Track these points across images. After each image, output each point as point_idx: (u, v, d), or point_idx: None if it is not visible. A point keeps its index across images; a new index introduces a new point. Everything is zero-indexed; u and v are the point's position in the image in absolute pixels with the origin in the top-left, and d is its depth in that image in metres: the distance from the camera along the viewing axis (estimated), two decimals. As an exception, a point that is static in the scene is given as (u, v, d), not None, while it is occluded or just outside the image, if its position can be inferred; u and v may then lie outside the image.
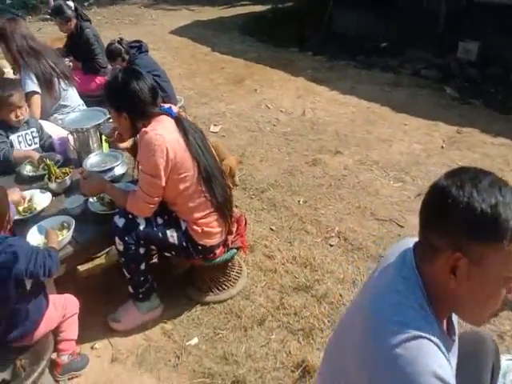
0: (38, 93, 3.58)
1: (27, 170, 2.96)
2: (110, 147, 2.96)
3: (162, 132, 2.11)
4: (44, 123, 3.45)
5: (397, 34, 7.04)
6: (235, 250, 2.44)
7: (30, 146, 3.10)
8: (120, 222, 2.26)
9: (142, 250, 2.30)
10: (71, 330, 2.20)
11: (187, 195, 2.23)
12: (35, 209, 2.56)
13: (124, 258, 2.30)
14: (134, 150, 2.67)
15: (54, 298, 2.15)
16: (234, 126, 4.74)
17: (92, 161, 2.83)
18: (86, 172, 2.51)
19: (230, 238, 2.43)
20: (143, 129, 2.13)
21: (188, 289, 2.55)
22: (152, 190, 2.17)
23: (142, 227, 2.26)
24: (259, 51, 7.74)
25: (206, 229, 2.28)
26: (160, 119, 2.20)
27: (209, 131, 4.55)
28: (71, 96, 3.97)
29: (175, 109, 2.35)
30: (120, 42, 4.71)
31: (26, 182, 2.88)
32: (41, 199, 2.63)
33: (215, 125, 4.76)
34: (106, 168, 2.72)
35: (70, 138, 3.10)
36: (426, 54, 6.61)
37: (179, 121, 2.24)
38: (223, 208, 2.34)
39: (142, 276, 2.35)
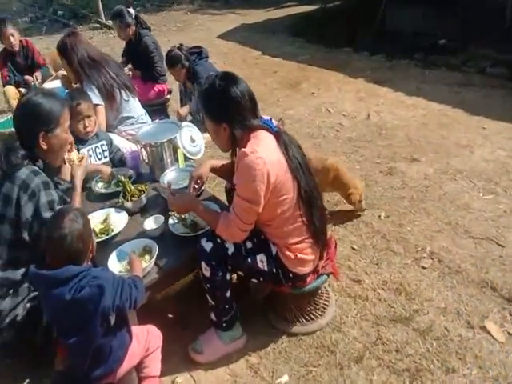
0: (101, 105, 3.47)
1: (99, 186, 2.82)
2: (185, 161, 2.77)
3: (263, 153, 1.87)
4: (112, 136, 3.32)
5: (456, 31, 6.55)
6: (326, 277, 2.18)
7: (99, 159, 2.97)
8: (207, 245, 2.06)
9: (228, 276, 2.10)
10: (154, 365, 2.01)
11: (283, 218, 2.00)
12: (112, 230, 2.40)
13: (209, 285, 2.10)
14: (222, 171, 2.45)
15: (136, 330, 1.97)
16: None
17: (168, 177, 2.65)
18: (171, 188, 2.33)
19: (321, 263, 2.18)
20: (243, 150, 1.90)
21: (271, 317, 2.32)
22: (247, 217, 1.95)
23: (230, 252, 2.05)
24: (311, 53, 7.45)
25: (299, 255, 2.03)
26: (259, 136, 1.95)
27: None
28: (134, 106, 3.84)
29: (274, 121, 2.09)
30: (180, 48, 4.57)
31: (98, 200, 2.74)
32: (117, 219, 2.47)
33: (276, 131, 4.51)
34: (183, 186, 2.53)
35: (143, 152, 2.95)
36: (489, 51, 6.11)
37: (280, 136, 1.98)
38: (319, 234, 2.09)
39: (226, 304, 2.14)
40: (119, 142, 3.65)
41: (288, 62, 6.99)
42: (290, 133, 2.07)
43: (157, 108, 4.85)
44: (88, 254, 1.80)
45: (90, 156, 2.91)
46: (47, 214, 1.96)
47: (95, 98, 3.38)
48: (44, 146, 2.03)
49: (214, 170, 2.41)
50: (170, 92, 5.19)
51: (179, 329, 2.36)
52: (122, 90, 3.58)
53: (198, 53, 4.68)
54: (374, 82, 5.66)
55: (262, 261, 2.06)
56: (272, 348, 2.19)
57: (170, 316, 2.47)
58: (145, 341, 1.97)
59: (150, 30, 5.08)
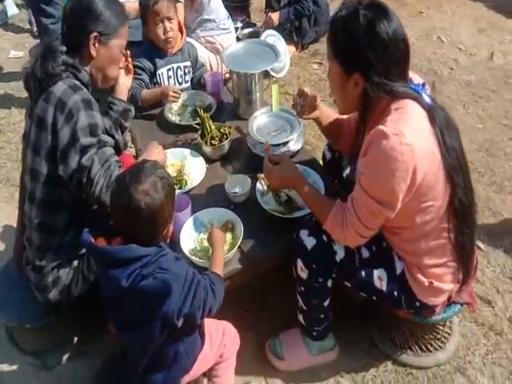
0: (180, 2, 2.67)
1: (172, 112, 2.17)
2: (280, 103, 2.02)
3: (412, 138, 1.17)
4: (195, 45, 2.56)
5: None
6: (459, 307, 1.53)
7: (179, 84, 2.28)
8: (309, 242, 1.45)
9: (330, 283, 1.52)
10: (227, 375, 1.54)
11: (422, 232, 1.34)
12: (186, 183, 1.81)
13: (304, 289, 1.53)
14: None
15: (210, 330, 1.46)
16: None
17: (259, 122, 1.94)
18: (270, 150, 1.66)
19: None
20: (381, 127, 1.20)
21: (374, 334, 1.73)
22: (373, 221, 1.30)
23: (338, 258, 1.44)
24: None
25: (435, 284, 1.38)
26: (406, 108, 1.23)
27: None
28: (216, 8, 3.02)
29: (428, 88, 1.32)
30: None
31: (169, 129, 2.11)
32: (193, 167, 1.89)
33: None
34: (278, 142, 1.83)
35: (229, 78, 2.22)
36: None
37: (435, 115, 1.25)
38: (466, 258, 1.41)
39: (322, 313, 1.58)
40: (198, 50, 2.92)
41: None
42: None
43: (237, 5, 3.90)
44: (158, 237, 1.23)
45: (170, 77, 2.21)
46: (87, 140, 1.41)
47: (174, -8, 2.58)
48: (93, 52, 1.51)
49: (319, 120, 1.71)
50: (254, -13, 4.19)
51: (255, 309, 1.86)
52: (204, -14, 2.74)
53: None
54: (497, 11, 4.33)
55: (380, 278, 1.44)
56: (371, 375, 1.64)
57: (242, 296, 1.95)
58: (219, 345, 1.48)
59: None
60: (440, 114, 1.27)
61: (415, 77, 1.36)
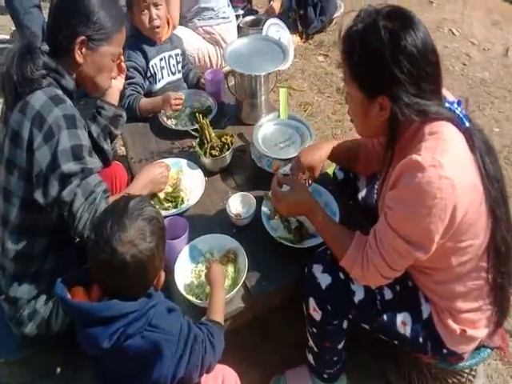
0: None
1: (168, 114, 1.93)
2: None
3: (451, 170, 0.97)
4: (182, 33, 2.31)
5: None
6: (490, 351, 1.34)
7: (173, 74, 2.05)
8: (323, 279, 1.24)
9: (345, 325, 1.31)
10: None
11: (457, 274, 1.13)
12: (182, 201, 1.59)
13: (316, 330, 1.32)
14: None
15: (207, 382, 1.24)
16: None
17: (265, 132, 1.70)
18: (281, 172, 1.43)
19: (486, 330, 1.33)
20: (415, 157, 0.99)
21: (390, 372, 1.54)
22: (400, 262, 1.09)
23: (357, 299, 1.23)
24: None
25: (469, 332, 1.18)
26: (442, 132, 1.03)
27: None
28: (215, -6, 2.72)
29: (463, 107, 1.11)
30: None
31: (166, 135, 1.88)
32: (190, 181, 1.67)
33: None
34: (286, 156, 1.59)
35: (231, 78, 1.98)
36: None
37: (473, 137, 1.06)
38: (506, 299, 1.21)
39: (335, 356, 1.38)
40: (194, 41, 2.67)
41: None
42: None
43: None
44: (148, 289, 1.00)
45: (163, 68, 1.96)
46: (69, 167, 1.19)
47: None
48: (79, 58, 1.28)
49: (332, 156, 1.49)
50: (256, -28, 3.86)
51: (258, 339, 1.65)
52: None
53: None
54: (511, 2, 4.07)
55: (403, 323, 1.23)
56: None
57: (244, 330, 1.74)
58: (218, 394, 1.28)
59: None
60: (479, 137, 1.07)
61: (448, 94, 1.16)
